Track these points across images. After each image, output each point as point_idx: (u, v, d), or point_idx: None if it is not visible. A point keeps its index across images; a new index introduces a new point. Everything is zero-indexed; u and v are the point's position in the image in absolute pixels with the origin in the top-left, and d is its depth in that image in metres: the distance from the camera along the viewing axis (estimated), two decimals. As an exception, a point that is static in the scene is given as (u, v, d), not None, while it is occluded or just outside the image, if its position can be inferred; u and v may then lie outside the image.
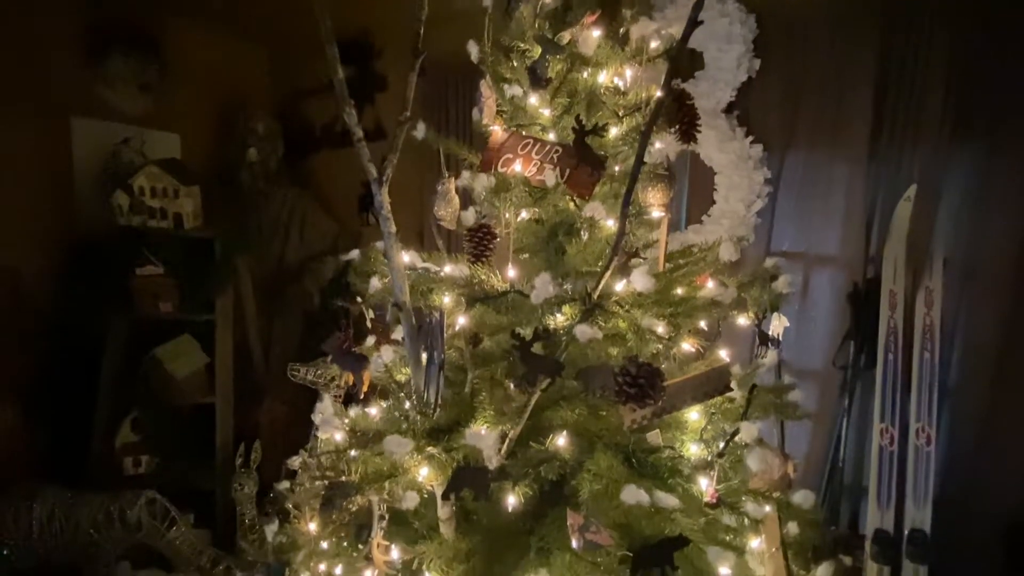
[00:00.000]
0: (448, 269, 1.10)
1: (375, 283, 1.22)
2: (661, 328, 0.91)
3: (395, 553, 1.08)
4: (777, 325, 1.28)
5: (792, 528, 1.27)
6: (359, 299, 1.30)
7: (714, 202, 2.04)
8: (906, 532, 1.75)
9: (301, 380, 1.88)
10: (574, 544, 0.88)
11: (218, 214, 2.65)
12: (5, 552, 2.07)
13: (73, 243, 2.46)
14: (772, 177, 2.01)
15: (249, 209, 2.90)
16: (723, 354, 1.11)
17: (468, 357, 1.11)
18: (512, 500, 0.96)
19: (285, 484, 1.45)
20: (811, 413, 1.21)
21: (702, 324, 1.15)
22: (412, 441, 0.91)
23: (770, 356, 1.23)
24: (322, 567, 1.35)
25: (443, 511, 1.11)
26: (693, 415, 1.12)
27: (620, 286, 0.94)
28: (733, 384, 1.09)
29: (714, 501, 0.97)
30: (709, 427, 1.08)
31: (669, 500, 0.86)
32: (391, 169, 1.01)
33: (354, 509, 1.05)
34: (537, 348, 0.90)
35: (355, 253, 1.33)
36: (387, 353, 1.04)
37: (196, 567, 2.12)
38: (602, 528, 0.86)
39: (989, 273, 1.91)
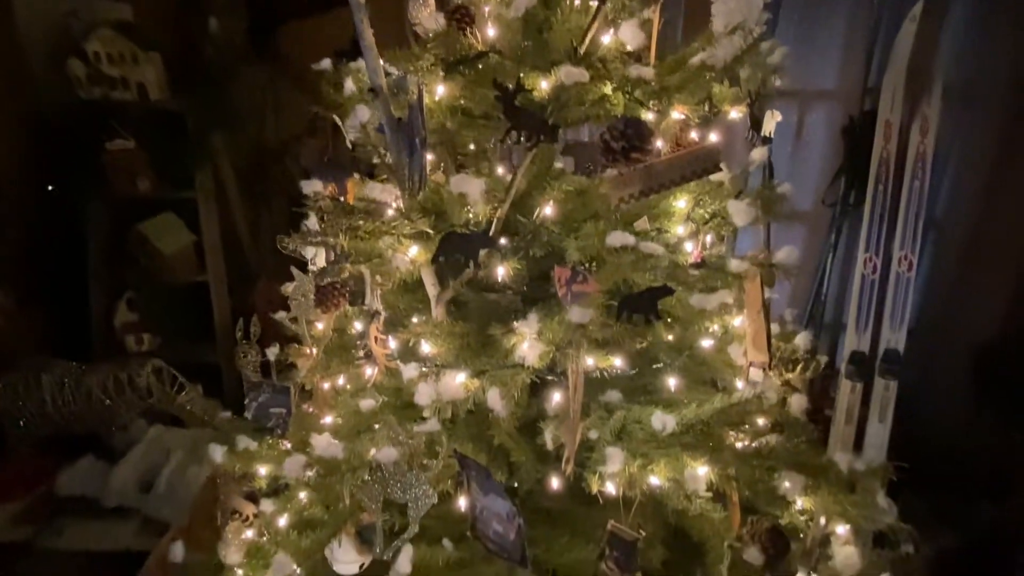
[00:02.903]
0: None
1: (349, 86, 1.16)
2: (650, 75, 0.88)
3: (393, 343, 1.12)
4: (769, 121, 1.25)
5: (773, 328, 1.33)
6: (333, 112, 1.24)
7: (709, 35, 1.93)
8: (880, 352, 1.84)
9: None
10: (561, 298, 0.91)
11: (185, 90, 2.51)
12: (21, 423, 2.15)
13: (35, 124, 2.33)
14: (772, 2, 1.89)
15: (218, 87, 2.74)
16: (713, 137, 1.09)
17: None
18: (502, 271, 0.97)
19: (282, 314, 1.47)
20: (800, 215, 1.21)
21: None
22: (395, 189, 0.91)
23: (761, 152, 1.21)
24: (326, 385, 1.42)
25: (437, 310, 1.13)
26: (680, 203, 1.12)
27: (607, 38, 0.90)
28: (723, 165, 1.07)
29: (699, 260, 0.99)
30: (697, 208, 1.08)
31: (654, 247, 0.88)
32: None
33: (346, 276, 1.08)
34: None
35: (326, 62, 1.25)
36: (362, 112, 1.00)
37: (211, 427, 2.23)
38: (589, 276, 0.88)
39: (988, 99, 1.86)
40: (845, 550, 0.96)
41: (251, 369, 2.47)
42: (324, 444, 1.08)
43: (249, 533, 1.24)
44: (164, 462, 1.90)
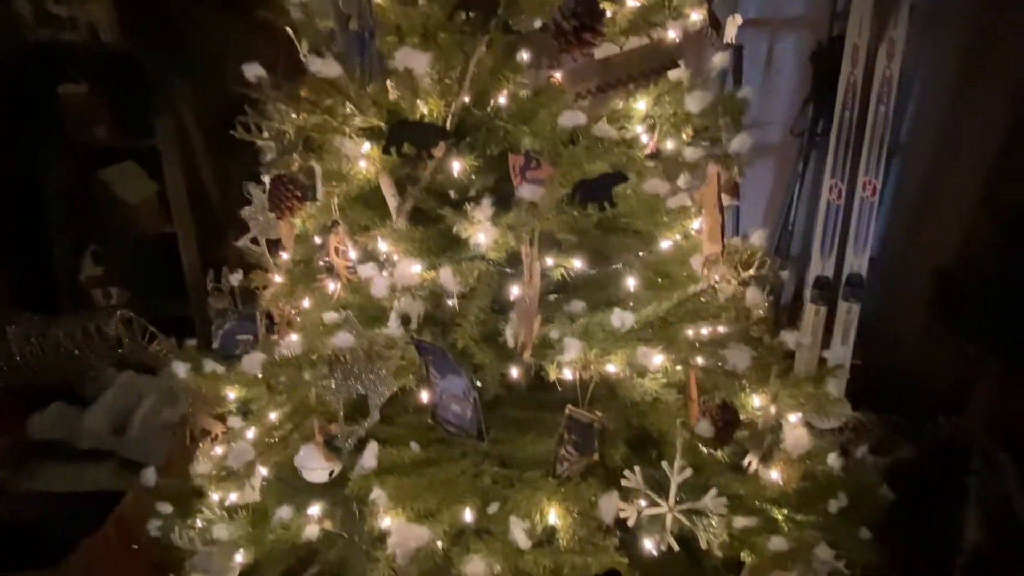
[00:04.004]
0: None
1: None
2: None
3: (353, 253, 1.11)
4: (731, 25, 1.24)
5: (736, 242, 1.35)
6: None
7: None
8: (844, 276, 1.88)
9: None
10: (516, 187, 0.90)
11: (139, 32, 2.39)
12: (-10, 379, 2.11)
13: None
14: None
15: (174, 28, 2.62)
16: (671, 34, 1.08)
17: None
18: (457, 166, 0.96)
19: (243, 241, 1.45)
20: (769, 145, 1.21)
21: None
22: (338, 65, 0.89)
23: (722, 57, 1.20)
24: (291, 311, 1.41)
25: (398, 221, 1.12)
26: (640, 104, 1.12)
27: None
28: (680, 63, 1.07)
29: (654, 152, 0.99)
30: (656, 107, 1.08)
31: (606, 128, 0.87)
32: None
33: (296, 168, 1.06)
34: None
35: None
36: None
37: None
38: (543, 161, 0.88)
39: (952, 20, 1.86)
40: (796, 432, 1.00)
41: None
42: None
43: (219, 450, 1.25)
44: (137, 405, 1.89)
